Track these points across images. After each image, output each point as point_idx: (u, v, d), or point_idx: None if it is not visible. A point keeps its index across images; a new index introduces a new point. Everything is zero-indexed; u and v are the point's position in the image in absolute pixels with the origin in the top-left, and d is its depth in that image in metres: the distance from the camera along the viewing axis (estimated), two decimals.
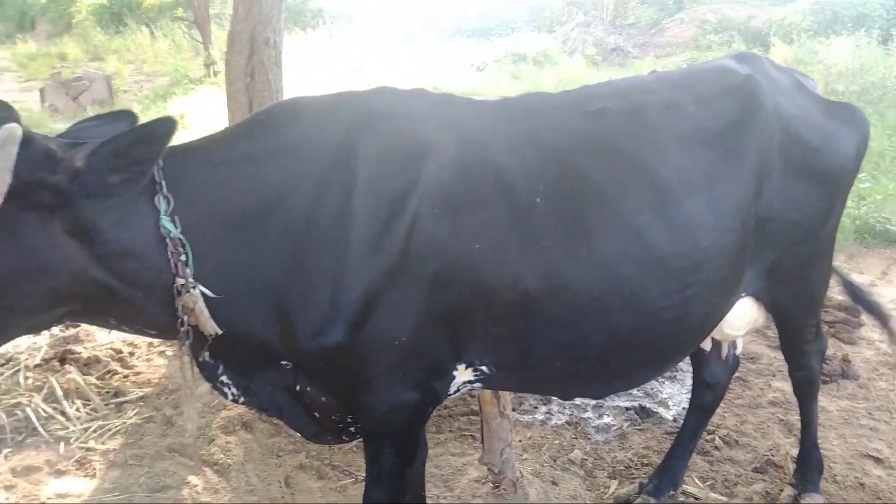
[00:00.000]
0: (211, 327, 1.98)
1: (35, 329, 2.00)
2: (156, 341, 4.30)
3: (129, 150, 1.81)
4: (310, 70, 12.54)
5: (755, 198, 2.42)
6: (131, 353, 4.27)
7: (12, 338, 1.99)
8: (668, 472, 3.21)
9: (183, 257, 1.93)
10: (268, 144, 2.08)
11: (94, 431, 3.58)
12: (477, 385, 2.36)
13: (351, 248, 2.00)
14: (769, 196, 2.45)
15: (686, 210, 2.28)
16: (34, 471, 3.27)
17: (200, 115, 10.81)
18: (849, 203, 2.97)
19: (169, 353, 4.32)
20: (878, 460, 3.51)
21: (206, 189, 2.00)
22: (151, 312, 2.00)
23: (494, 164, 2.16)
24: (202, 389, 3.45)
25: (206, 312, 1.96)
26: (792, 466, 3.33)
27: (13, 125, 1.74)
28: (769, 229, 2.48)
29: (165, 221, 1.92)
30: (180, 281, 1.93)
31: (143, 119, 1.98)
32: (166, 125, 1.82)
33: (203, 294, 1.96)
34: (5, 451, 3.40)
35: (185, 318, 1.97)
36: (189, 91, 13.01)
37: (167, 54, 17.43)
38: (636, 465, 3.49)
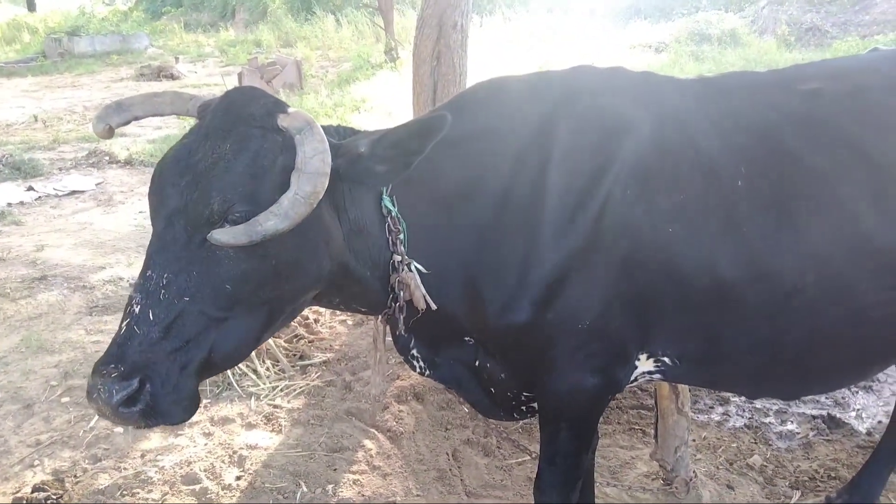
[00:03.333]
0: (426, 302, 2.06)
1: (293, 316, 2.09)
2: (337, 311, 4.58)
3: (404, 142, 1.86)
4: (487, 55, 12.64)
5: None
6: (316, 321, 4.57)
7: (283, 325, 2.11)
8: (862, 489, 2.95)
9: (401, 235, 2.04)
10: (474, 124, 2.13)
11: (281, 390, 3.88)
12: (656, 376, 2.29)
13: (542, 227, 2.01)
14: None
15: None
16: (228, 422, 3.61)
17: (381, 98, 11.27)
18: None
19: (349, 322, 4.58)
20: None
21: (418, 169, 2.04)
22: (373, 289, 2.10)
23: (694, 144, 2.07)
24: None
25: (422, 288, 2.05)
26: None
27: (307, 116, 1.80)
28: None
29: (387, 201, 2.02)
30: (397, 258, 2.04)
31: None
32: (440, 121, 1.85)
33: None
34: (205, 401, 3.77)
35: (401, 293, 2.06)
36: (370, 76, 13.61)
37: (350, 41, 18.35)
38: (822, 477, 3.23)
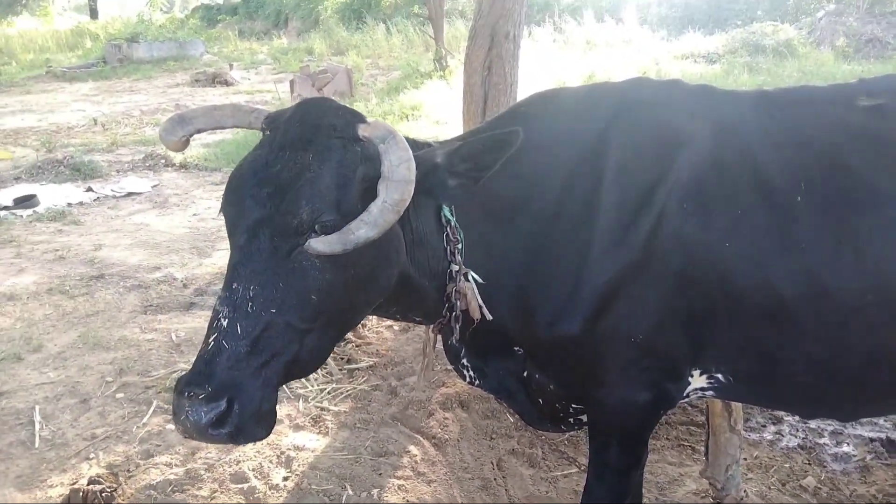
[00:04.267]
0: (483, 312, 2.07)
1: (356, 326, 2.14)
2: None
3: (477, 156, 1.86)
4: (536, 65, 12.64)
5: None
6: (363, 325, 4.61)
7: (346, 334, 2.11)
8: None
9: (459, 245, 2.05)
10: (529, 137, 2.12)
11: (329, 393, 3.92)
12: (709, 393, 2.25)
13: (594, 240, 2.00)
14: None
15: None
16: (277, 423, 3.65)
17: (430, 107, 11.35)
18: None
19: (395, 327, 4.61)
20: None
21: None
22: (430, 299, 2.10)
23: (752, 159, 2.03)
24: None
25: (479, 298, 2.06)
26: None
27: (388, 125, 1.82)
28: None
29: (446, 211, 2.04)
30: (455, 267, 2.05)
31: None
32: (513, 137, 1.85)
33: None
34: None
35: (458, 303, 2.07)
36: (419, 84, 13.72)
37: (400, 49, 18.54)
38: (880, 501, 3.12)
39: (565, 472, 3.32)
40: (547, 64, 13.74)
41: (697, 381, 2.19)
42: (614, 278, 2.00)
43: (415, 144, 2.02)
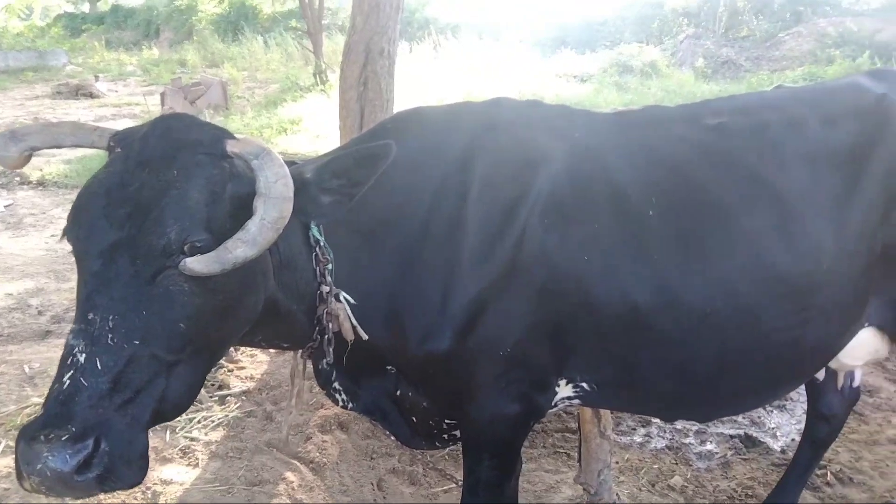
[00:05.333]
0: (357, 333, 2.01)
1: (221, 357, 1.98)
2: None
3: (350, 171, 1.82)
4: (415, 81, 12.74)
5: (882, 223, 2.26)
6: (236, 349, 4.44)
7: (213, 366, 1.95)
8: None
9: (329, 266, 1.98)
10: (395, 154, 2.12)
11: (199, 422, 3.73)
12: (575, 401, 2.32)
13: (461, 256, 2.01)
14: None
15: (807, 230, 2.17)
16: None
17: (310, 121, 11.18)
18: None
19: (271, 350, 4.46)
20: None
21: None
22: (299, 323, 2.01)
23: (607, 176, 2.13)
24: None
25: (352, 319, 2.01)
26: None
27: (259, 142, 1.73)
28: None
29: (315, 231, 1.97)
30: (325, 289, 1.98)
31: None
32: (386, 150, 1.81)
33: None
34: None
35: (329, 325, 2.00)
36: (298, 98, 13.51)
37: (279, 63, 18.19)
38: (740, 495, 3.32)
39: (446, 488, 3.31)
40: (427, 80, 13.88)
41: (564, 390, 2.25)
42: (482, 293, 2.02)
43: None
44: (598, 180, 2.12)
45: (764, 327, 2.17)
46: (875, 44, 15.49)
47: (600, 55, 17.90)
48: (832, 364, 2.65)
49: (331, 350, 2.03)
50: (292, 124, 11.12)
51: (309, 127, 10.81)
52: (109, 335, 1.51)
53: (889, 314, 2.45)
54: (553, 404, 2.29)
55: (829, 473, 3.42)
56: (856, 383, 3.01)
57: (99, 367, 1.49)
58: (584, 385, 2.23)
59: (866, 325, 2.45)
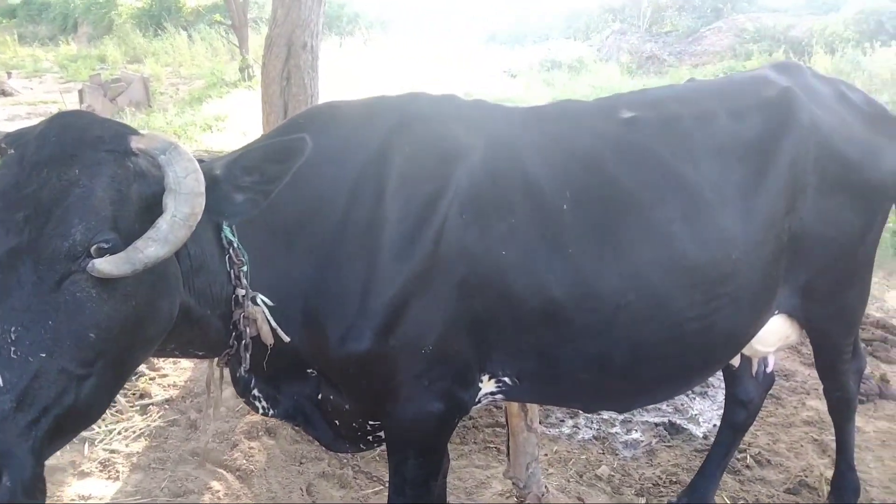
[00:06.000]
0: (279, 335, 1.95)
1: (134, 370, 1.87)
2: None
3: (263, 167, 1.75)
4: (344, 75, 12.60)
5: (788, 213, 2.35)
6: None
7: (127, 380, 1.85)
8: (698, 491, 3.13)
9: (244, 268, 1.91)
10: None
11: (119, 433, 3.60)
12: (499, 396, 2.33)
13: (381, 253, 1.98)
14: (803, 212, 2.37)
15: (716, 221, 2.24)
16: (58, 471, 3.29)
17: (236, 117, 10.92)
18: (890, 217, 2.86)
19: None
20: None
21: None
22: (214, 329, 1.92)
23: (523, 170, 2.14)
24: (225, 394, 3.45)
25: (272, 322, 1.94)
26: (826, 489, 3.22)
27: (166, 136, 1.64)
28: (803, 246, 2.41)
29: (227, 231, 1.89)
30: (241, 292, 1.90)
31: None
32: (301, 144, 1.74)
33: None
34: None
35: (246, 329, 1.93)
36: (224, 94, 13.18)
37: (204, 58, 17.68)
38: (664, 482, 3.40)
39: (376, 490, 3.28)
40: (357, 76, 13.75)
41: (487, 385, 2.25)
42: (402, 290, 1.99)
43: None
44: (515, 175, 2.13)
45: (677, 316, 2.23)
46: (789, 39, 16.14)
47: (529, 50, 18.08)
48: (746, 351, 2.74)
49: (248, 356, 1.96)
50: (217, 121, 10.84)
51: (235, 124, 10.55)
52: (12, 349, 1.40)
53: (797, 301, 2.55)
54: (477, 401, 2.29)
55: (748, 457, 3.55)
56: (769, 369, 3.12)
57: (1, 384, 1.38)
58: (507, 380, 2.24)
59: (776, 312, 2.54)
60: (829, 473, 3.23)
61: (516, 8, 22.93)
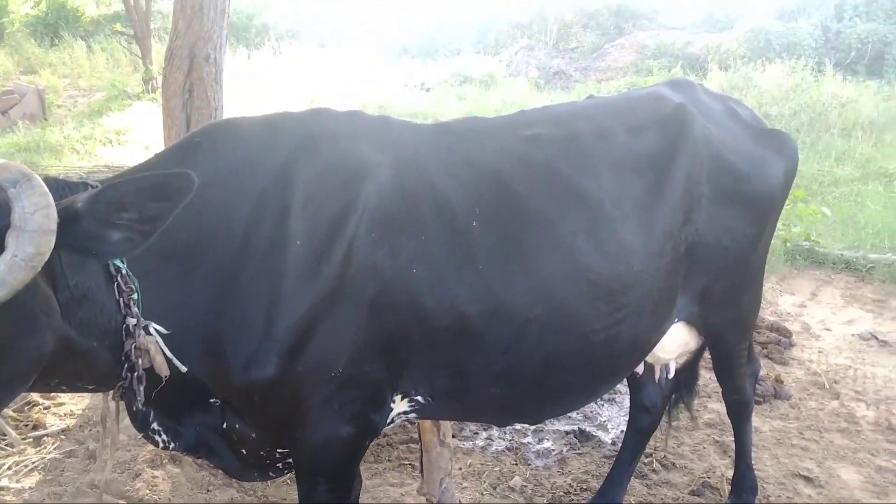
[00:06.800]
0: (174, 366, 1.86)
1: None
2: None
3: (138, 203, 1.62)
4: (253, 89, 12.36)
5: (685, 224, 2.45)
6: None
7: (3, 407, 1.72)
8: (607, 497, 3.21)
9: (135, 296, 1.81)
10: (207, 169, 1.98)
11: (9, 468, 3.37)
12: (412, 415, 2.31)
13: (286, 275, 1.93)
14: (699, 222, 2.47)
15: (617, 234, 2.30)
16: None
17: (138, 131, 10.53)
18: (780, 226, 3.03)
19: None
20: (808, 479, 3.58)
21: None
22: (102, 361, 1.82)
23: (431, 187, 2.14)
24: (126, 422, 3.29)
25: (166, 352, 1.85)
26: (727, 488, 3.36)
27: (21, 167, 1.50)
28: (699, 255, 2.51)
29: (116, 259, 1.78)
30: (132, 321, 1.80)
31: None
32: (186, 181, 1.62)
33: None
34: None
35: (139, 360, 1.83)
36: (126, 107, 12.68)
37: (104, 69, 16.95)
38: (576, 490, 3.46)
39: None
40: (266, 88, 13.51)
41: (399, 405, 2.23)
42: (309, 312, 1.95)
43: (68, 187, 1.77)
44: (425, 192, 2.13)
45: (584, 328, 2.28)
46: (687, 55, 16.95)
47: (441, 64, 18.27)
48: (649, 358, 2.83)
49: (142, 389, 1.87)
50: (119, 135, 10.42)
51: (137, 137, 10.17)
52: None
53: (695, 308, 2.66)
54: (390, 421, 2.27)
55: (654, 460, 3.66)
56: (671, 375, 3.24)
57: None
58: (419, 398, 2.23)
59: (677, 319, 2.64)
60: (730, 473, 3.37)
61: (427, 22, 23.15)
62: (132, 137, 10.30)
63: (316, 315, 1.95)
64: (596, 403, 4.21)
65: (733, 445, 3.31)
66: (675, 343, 2.80)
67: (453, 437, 3.68)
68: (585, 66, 18.59)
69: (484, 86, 16.13)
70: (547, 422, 3.96)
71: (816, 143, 10.33)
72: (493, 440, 3.84)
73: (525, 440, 3.84)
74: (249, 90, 11.62)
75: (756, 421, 3.90)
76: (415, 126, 2.39)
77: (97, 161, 8.76)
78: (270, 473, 2.31)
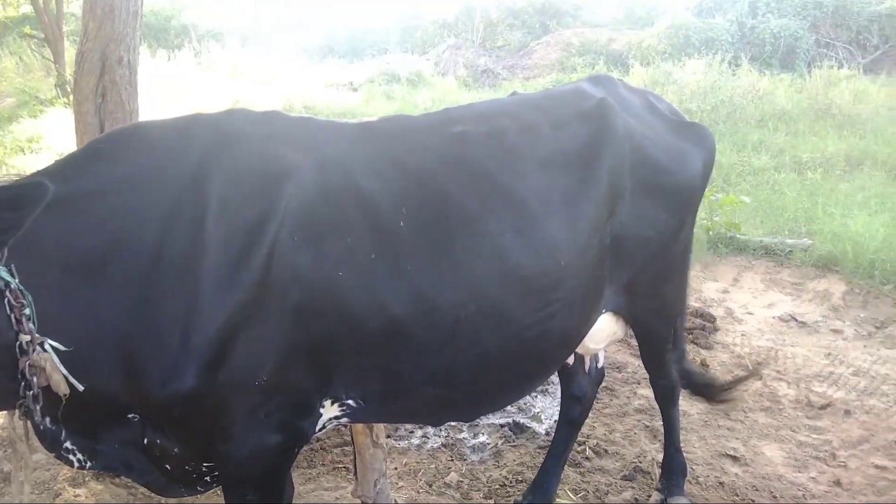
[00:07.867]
0: (70, 384, 1.77)
1: None
2: None
3: None
4: (173, 91, 12.00)
5: (609, 217, 2.48)
6: None
7: None
8: (542, 488, 3.24)
9: (27, 311, 1.72)
10: (112, 175, 1.91)
11: None
12: (344, 420, 2.27)
13: (203, 283, 1.86)
14: (622, 215, 2.52)
15: (544, 230, 2.31)
16: None
17: (52, 137, 10.07)
18: (702, 215, 3.11)
19: None
20: (734, 458, 3.70)
21: (42, 232, 1.78)
22: None
23: (356, 188, 2.09)
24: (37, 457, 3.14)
25: (62, 369, 1.76)
26: (658, 472, 3.44)
27: None
28: (624, 246, 2.55)
29: (3, 272, 1.70)
30: (25, 337, 1.72)
31: None
32: (38, 191, 1.60)
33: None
34: None
35: (34, 379, 1.74)
36: (38, 113, 12.11)
37: (14, 74, 16.17)
38: (511, 482, 3.49)
39: None
40: (187, 90, 13.14)
41: (330, 410, 2.19)
42: (229, 321, 1.88)
43: None
44: (349, 193, 2.08)
45: (515, 324, 2.28)
46: (609, 52, 17.35)
47: (368, 64, 18.17)
48: (578, 349, 2.88)
49: (38, 408, 1.78)
50: (31, 142, 9.93)
51: (51, 144, 9.72)
52: None
53: (621, 299, 2.71)
54: (321, 427, 2.22)
55: (587, 448, 3.72)
56: (600, 364, 3.30)
57: None
58: (351, 402, 2.19)
59: (604, 310, 2.68)
60: (661, 457, 3.45)
61: (352, 22, 22.98)
62: (45, 144, 9.83)
63: (236, 324, 1.89)
64: (529, 395, 4.25)
65: (662, 429, 3.39)
66: (604, 333, 2.85)
67: (388, 436, 3.66)
68: (512, 63, 18.81)
69: (412, 84, 16.11)
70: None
71: (734, 134, 10.71)
72: (428, 438, 3.83)
73: (460, 436, 3.85)
74: (169, 93, 11.27)
75: (683, 405, 3.99)
76: (338, 125, 2.34)
77: (7, 171, 8.34)
78: (198, 488, 2.23)
